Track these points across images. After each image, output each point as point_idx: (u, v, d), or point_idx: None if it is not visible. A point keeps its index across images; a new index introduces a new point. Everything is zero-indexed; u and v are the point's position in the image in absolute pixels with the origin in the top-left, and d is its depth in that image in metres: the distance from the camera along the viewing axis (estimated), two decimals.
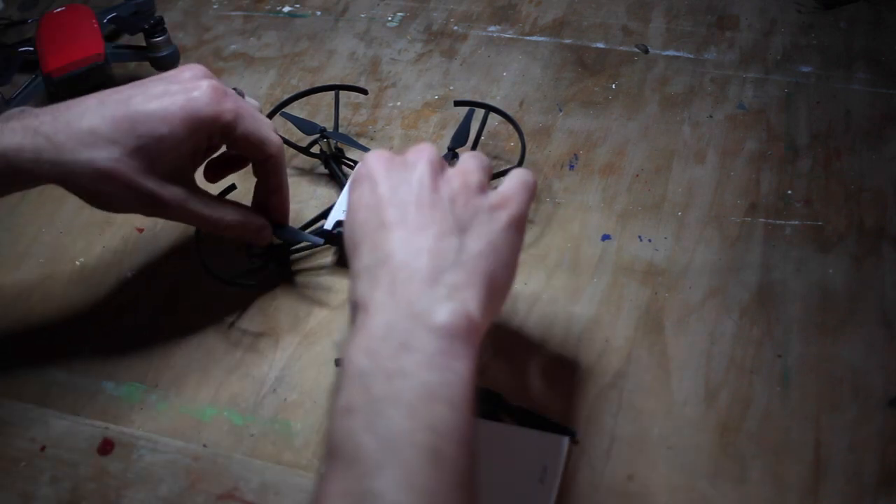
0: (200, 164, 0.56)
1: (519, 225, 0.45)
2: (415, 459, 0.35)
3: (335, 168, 0.65)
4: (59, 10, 0.74)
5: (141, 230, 0.64)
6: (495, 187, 0.46)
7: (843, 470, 0.48)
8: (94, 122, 0.50)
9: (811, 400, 0.51)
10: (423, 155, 0.45)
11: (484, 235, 0.43)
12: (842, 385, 0.51)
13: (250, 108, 0.54)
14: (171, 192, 0.52)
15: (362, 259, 0.43)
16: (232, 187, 0.59)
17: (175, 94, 0.51)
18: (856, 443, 0.49)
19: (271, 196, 0.57)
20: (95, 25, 0.72)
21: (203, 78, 0.52)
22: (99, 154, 0.49)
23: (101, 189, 0.50)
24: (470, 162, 0.46)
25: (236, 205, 0.56)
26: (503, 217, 0.44)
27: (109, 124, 0.50)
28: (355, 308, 0.41)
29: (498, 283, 0.42)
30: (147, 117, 0.50)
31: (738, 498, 0.47)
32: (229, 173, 0.60)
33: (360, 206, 0.45)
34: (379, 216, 0.43)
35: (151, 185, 0.51)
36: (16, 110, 0.51)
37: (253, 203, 0.59)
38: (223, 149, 0.58)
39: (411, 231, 0.42)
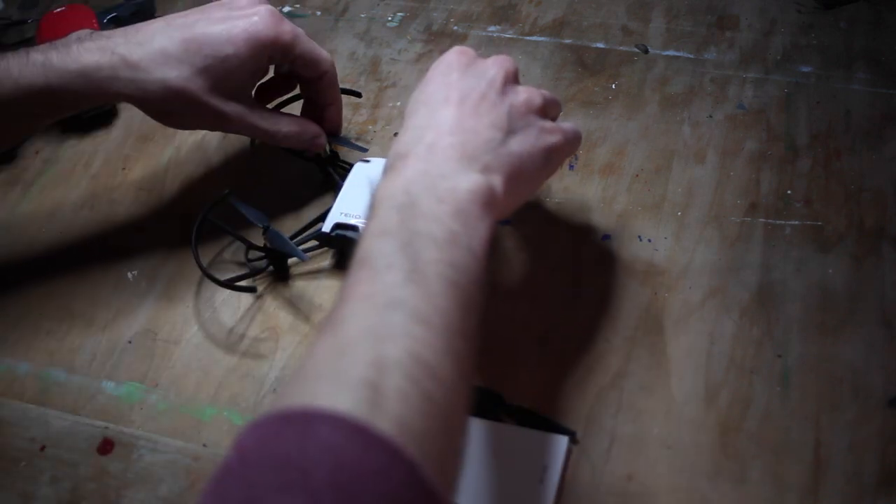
0: (258, 82, 0.61)
1: (557, 154, 0.50)
2: (436, 283, 0.39)
3: (331, 172, 0.65)
4: (59, 10, 0.74)
5: (141, 230, 0.64)
6: None
7: (843, 470, 0.48)
8: (164, 43, 0.54)
9: (811, 400, 0.51)
10: (501, 63, 0.50)
11: (526, 144, 0.47)
12: (842, 385, 0.51)
13: (303, 32, 0.59)
14: (234, 108, 0.57)
15: (416, 119, 0.47)
16: (229, 192, 0.60)
17: (237, 19, 0.56)
18: (856, 443, 0.49)
19: (327, 108, 0.62)
20: (95, 25, 0.72)
21: (259, 3, 0.57)
22: (171, 73, 0.54)
23: (172, 106, 0.56)
24: (539, 91, 0.51)
25: (292, 116, 0.61)
26: (548, 140, 0.49)
27: (179, 45, 0.54)
28: (396, 157, 0.45)
29: (522, 182, 0.47)
30: (213, 39, 0.55)
31: (738, 498, 0.47)
32: (278, 97, 0.65)
33: (432, 80, 0.49)
34: (445, 93, 0.48)
35: (216, 101, 0.56)
36: (83, 32, 0.56)
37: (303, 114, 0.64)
38: (271, 73, 0.62)
39: (467, 114, 0.47)
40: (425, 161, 0.44)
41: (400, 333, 0.37)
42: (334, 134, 0.64)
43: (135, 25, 0.56)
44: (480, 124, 0.46)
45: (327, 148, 0.65)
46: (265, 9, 0.57)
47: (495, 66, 0.49)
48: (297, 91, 0.64)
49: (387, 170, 0.45)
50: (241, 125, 0.58)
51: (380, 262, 0.40)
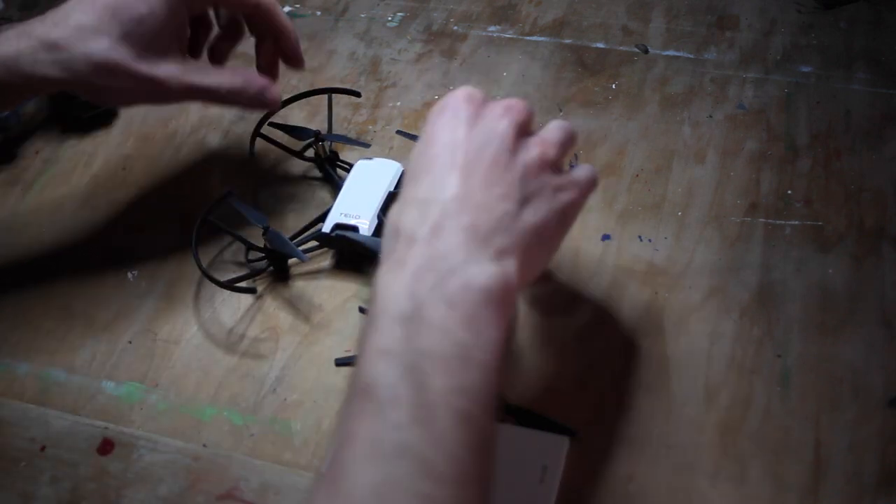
0: (188, 36, 0.58)
1: (574, 212, 0.46)
2: (446, 420, 0.35)
3: (330, 171, 0.65)
4: None
5: (141, 230, 0.64)
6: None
7: (843, 470, 0.48)
8: (79, 17, 0.52)
9: (811, 400, 0.51)
10: (512, 112, 0.45)
11: (541, 212, 0.43)
12: (842, 385, 0.51)
13: None
14: (165, 70, 0.53)
15: (419, 189, 0.42)
16: (228, 192, 0.60)
17: None
18: (856, 443, 0.49)
19: (281, 40, 0.58)
20: None
21: None
22: (92, 46, 0.51)
23: (102, 80, 0.52)
24: (553, 133, 0.46)
25: (235, 69, 0.57)
26: (564, 199, 0.45)
27: (93, 17, 0.51)
28: (396, 234, 0.42)
29: (538, 257, 0.44)
30: (125, 3, 0.52)
31: (738, 498, 0.47)
32: (231, 49, 0.62)
33: (436, 138, 0.44)
34: (451, 156, 0.43)
35: (145, 67, 0.52)
36: (4, 26, 0.54)
37: (258, 67, 0.60)
38: (216, 30, 0.60)
39: (477, 183, 0.42)
40: (430, 247, 0.40)
41: (407, 490, 0.34)
42: (299, 67, 0.60)
43: (54, 8, 0.53)
44: (491, 197, 0.42)
45: (327, 148, 0.65)
46: None
47: (507, 118, 0.44)
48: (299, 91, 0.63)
49: (388, 252, 0.41)
50: (179, 88, 0.54)
51: (383, 394, 0.36)
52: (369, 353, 0.38)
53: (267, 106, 0.57)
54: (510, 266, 0.40)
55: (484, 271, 0.39)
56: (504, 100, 0.46)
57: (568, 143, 0.47)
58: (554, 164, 0.45)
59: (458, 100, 0.45)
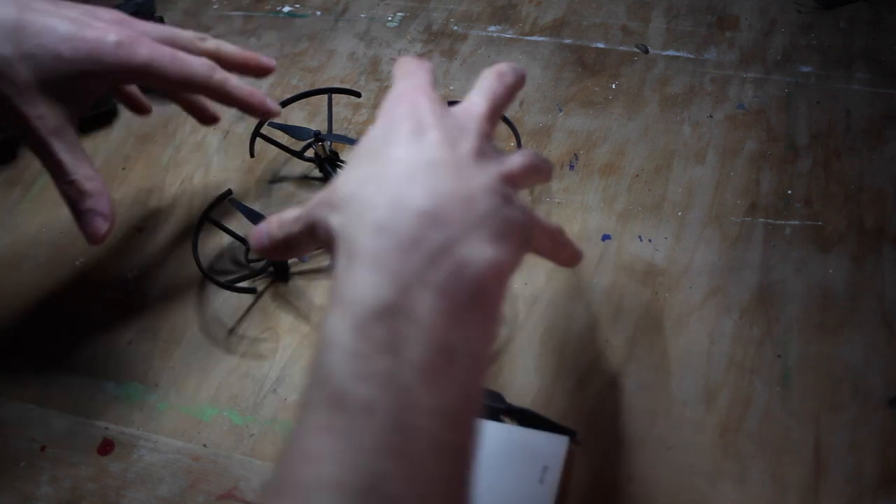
0: (84, 112, 0.53)
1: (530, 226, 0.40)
2: (427, 451, 0.31)
3: (330, 171, 0.65)
4: None
5: (141, 230, 0.64)
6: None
7: (843, 470, 0.48)
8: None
9: (811, 400, 0.51)
10: (475, 107, 0.40)
11: (522, 212, 0.38)
12: (842, 385, 0.51)
13: (169, 53, 0.50)
14: (43, 118, 0.47)
15: (378, 158, 0.37)
16: (228, 192, 0.60)
17: (88, 28, 0.48)
18: (856, 443, 0.49)
19: (236, 105, 0.53)
20: None
21: (122, 24, 0.50)
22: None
23: None
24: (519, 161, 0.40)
25: (96, 174, 0.50)
26: (518, 215, 0.38)
27: (10, 22, 0.47)
28: (350, 198, 0.36)
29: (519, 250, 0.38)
30: (52, 33, 0.47)
31: (738, 498, 0.47)
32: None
33: (395, 116, 0.38)
34: (422, 132, 0.37)
35: (27, 98, 0.47)
36: None
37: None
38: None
39: (461, 155, 0.37)
40: (416, 208, 0.34)
41: None
42: (266, 72, 0.57)
43: None
44: (482, 175, 0.37)
45: (327, 148, 0.65)
46: (126, 32, 0.49)
47: (471, 117, 0.40)
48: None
49: (355, 214, 0.35)
50: (39, 144, 0.48)
51: (355, 409, 0.30)
52: (337, 350, 0.32)
53: (94, 241, 0.51)
54: (510, 257, 0.36)
55: (482, 254, 0.34)
56: (465, 101, 0.42)
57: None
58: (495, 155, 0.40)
59: (417, 80, 0.41)
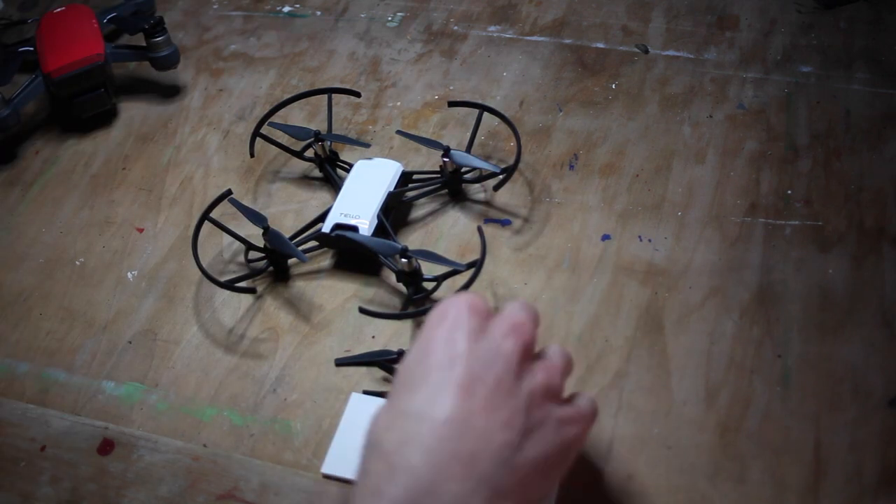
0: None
1: (576, 446, 0.42)
2: None
3: (330, 171, 0.65)
4: (59, 10, 0.74)
5: (141, 230, 0.64)
6: None
7: (843, 470, 0.48)
8: None
9: (811, 400, 0.51)
10: (519, 332, 0.41)
11: (544, 445, 0.39)
12: (842, 385, 0.51)
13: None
14: None
15: (411, 401, 0.39)
16: (228, 192, 0.60)
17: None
18: (856, 443, 0.49)
19: None
20: (95, 25, 0.72)
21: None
22: None
23: None
24: (557, 358, 0.43)
25: None
26: (568, 435, 0.41)
27: None
28: (378, 450, 0.38)
29: (536, 492, 0.40)
30: None
31: (738, 498, 0.47)
32: None
33: (434, 347, 0.40)
34: (451, 370, 0.39)
35: None
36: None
37: None
38: None
39: (478, 406, 0.38)
40: (416, 478, 0.36)
41: None
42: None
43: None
44: (493, 424, 0.37)
45: (327, 148, 0.65)
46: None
47: (513, 337, 0.40)
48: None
49: (365, 472, 0.38)
50: None
51: None
52: None
53: None
54: None
55: None
56: (509, 315, 0.42)
57: (569, 369, 0.44)
58: (557, 394, 0.41)
59: (461, 308, 0.41)
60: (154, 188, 0.67)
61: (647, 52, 0.72)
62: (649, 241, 0.59)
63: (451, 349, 0.40)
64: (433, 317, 0.42)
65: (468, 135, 0.64)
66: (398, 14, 0.79)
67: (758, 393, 0.51)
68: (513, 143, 0.65)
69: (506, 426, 0.38)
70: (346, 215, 0.59)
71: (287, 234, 0.59)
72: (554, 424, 0.40)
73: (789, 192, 0.61)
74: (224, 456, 0.52)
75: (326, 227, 0.59)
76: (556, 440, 0.40)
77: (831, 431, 0.49)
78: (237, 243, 0.61)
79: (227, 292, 0.59)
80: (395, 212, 0.62)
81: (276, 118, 0.68)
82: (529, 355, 0.42)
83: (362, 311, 0.54)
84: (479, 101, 0.66)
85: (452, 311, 0.41)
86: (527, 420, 0.39)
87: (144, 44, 0.72)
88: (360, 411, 0.52)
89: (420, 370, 0.40)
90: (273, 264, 0.60)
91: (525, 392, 0.39)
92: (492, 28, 0.76)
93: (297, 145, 0.67)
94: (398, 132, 0.66)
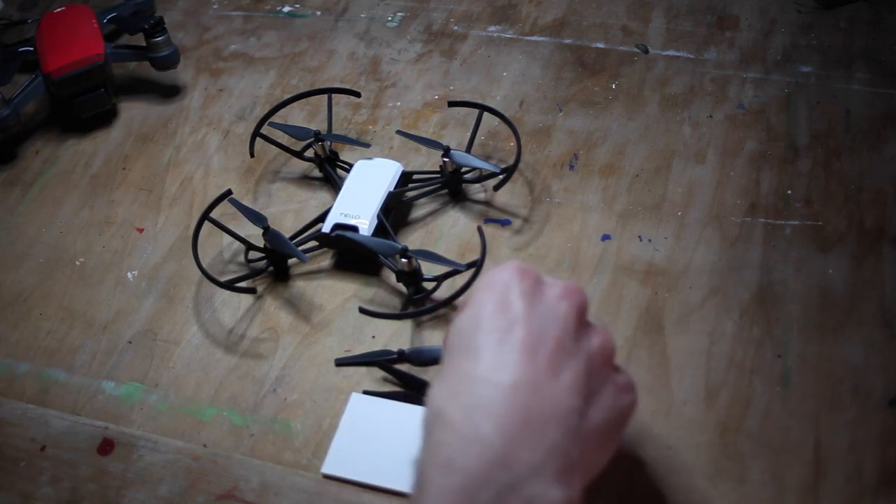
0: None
1: (630, 417, 0.42)
2: None
3: (330, 171, 0.65)
4: (59, 10, 0.74)
5: (141, 230, 0.64)
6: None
7: (843, 470, 0.48)
8: None
9: (811, 400, 0.51)
10: (573, 294, 0.40)
11: (605, 411, 0.39)
12: (842, 385, 0.51)
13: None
14: None
15: (476, 367, 0.37)
16: (228, 192, 0.60)
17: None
18: (856, 443, 0.49)
19: None
20: (95, 25, 0.72)
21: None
22: None
23: None
24: (608, 332, 0.42)
25: None
26: (625, 402, 0.41)
27: None
28: (442, 421, 0.36)
29: (596, 463, 0.40)
30: None
31: (738, 498, 0.47)
32: None
33: (486, 311, 0.39)
34: (509, 330, 0.38)
35: None
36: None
37: None
38: None
39: (540, 369, 0.37)
40: (487, 448, 0.34)
41: None
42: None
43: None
44: (558, 388, 0.37)
45: (327, 148, 0.65)
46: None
47: (567, 299, 0.40)
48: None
49: (432, 443, 0.36)
50: None
51: None
52: None
53: None
54: (576, 488, 0.36)
55: (549, 496, 0.34)
56: (560, 281, 0.41)
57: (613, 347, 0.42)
58: (613, 361, 0.41)
59: (513, 272, 0.40)
60: (154, 188, 0.67)
61: (647, 52, 0.72)
62: (649, 241, 0.59)
63: (507, 312, 0.39)
64: (482, 283, 0.41)
65: (468, 135, 0.64)
66: (398, 14, 0.79)
67: (758, 393, 0.51)
68: (513, 143, 0.65)
69: (570, 390, 0.37)
70: (346, 215, 0.59)
71: (287, 234, 0.59)
72: (612, 391, 0.40)
73: (789, 192, 0.61)
74: (224, 456, 0.52)
75: (326, 227, 0.59)
76: (615, 406, 0.39)
77: (831, 431, 0.49)
78: (237, 243, 0.61)
79: (227, 292, 0.59)
80: (395, 212, 0.62)
81: (276, 118, 0.68)
82: (584, 320, 0.41)
83: (362, 311, 0.54)
84: (479, 101, 0.66)
85: (503, 274, 0.40)
86: (588, 384, 0.38)
87: (144, 44, 0.72)
88: (360, 411, 0.52)
89: (477, 335, 0.38)
90: (273, 264, 0.60)
91: (584, 355, 0.39)
92: (492, 28, 0.76)
93: (297, 145, 0.67)
94: (398, 132, 0.66)
